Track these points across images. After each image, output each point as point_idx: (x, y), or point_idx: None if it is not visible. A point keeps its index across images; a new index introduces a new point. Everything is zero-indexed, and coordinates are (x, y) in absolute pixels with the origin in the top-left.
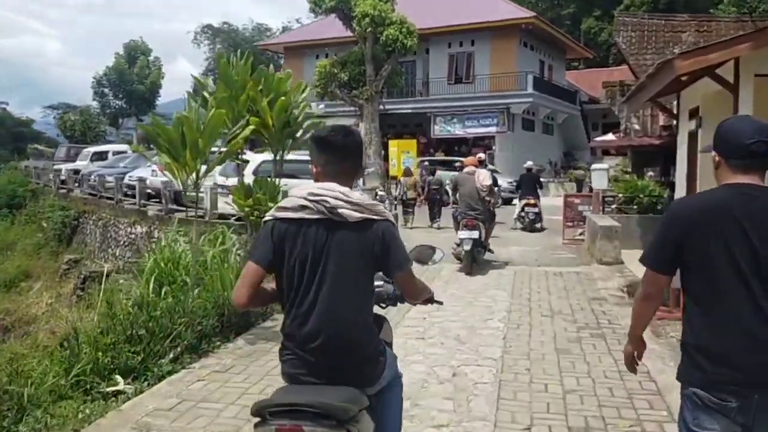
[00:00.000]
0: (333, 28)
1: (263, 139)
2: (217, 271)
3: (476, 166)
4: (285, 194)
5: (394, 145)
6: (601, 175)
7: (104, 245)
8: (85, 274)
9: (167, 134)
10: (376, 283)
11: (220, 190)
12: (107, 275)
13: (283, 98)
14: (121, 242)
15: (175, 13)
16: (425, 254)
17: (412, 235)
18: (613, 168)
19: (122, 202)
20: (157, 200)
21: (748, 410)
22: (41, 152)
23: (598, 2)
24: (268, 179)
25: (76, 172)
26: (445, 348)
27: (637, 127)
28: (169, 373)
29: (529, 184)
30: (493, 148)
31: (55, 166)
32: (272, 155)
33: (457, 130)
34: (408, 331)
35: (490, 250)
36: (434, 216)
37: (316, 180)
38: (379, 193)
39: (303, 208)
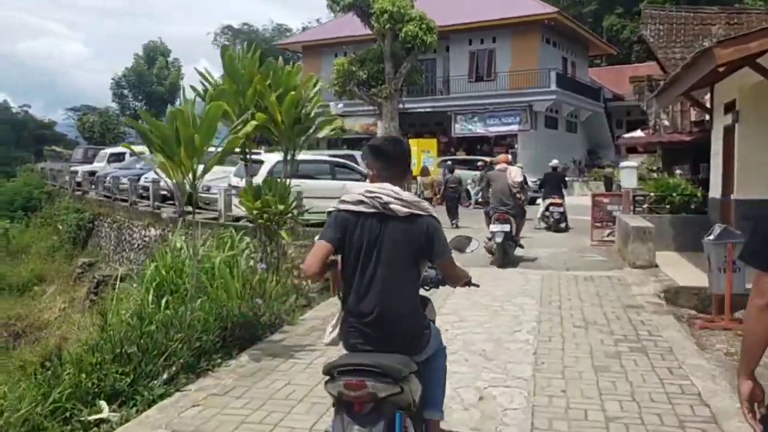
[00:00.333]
0: (351, 26)
1: (273, 137)
2: (223, 278)
3: (508, 164)
4: (298, 196)
5: (414, 145)
6: (630, 173)
7: (119, 248)
8: (98, 279)
9: (160, 130)
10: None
11: (234, 191)
12: (121, 279)
13: (292, 93)
14: (135, 245)
15: (197, 16)
16: (463, 243)
17: None
18: (638, 167)
19: (136, 204)
20: (172, 202)
21: None
22: (58, 154)
23: None
24: (279, 180)
25: (92, 173)
26: (470, 366)
27: (666, 123)
28: (161, 396)
29: (554, 183)
30: (516, 146)
31: (72, 168)
32: (289, 155)
33: (479, 129)
34: None
35: (520, 246)
36: (453, 215)
37: (372, 181)
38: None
39: (360, 202)
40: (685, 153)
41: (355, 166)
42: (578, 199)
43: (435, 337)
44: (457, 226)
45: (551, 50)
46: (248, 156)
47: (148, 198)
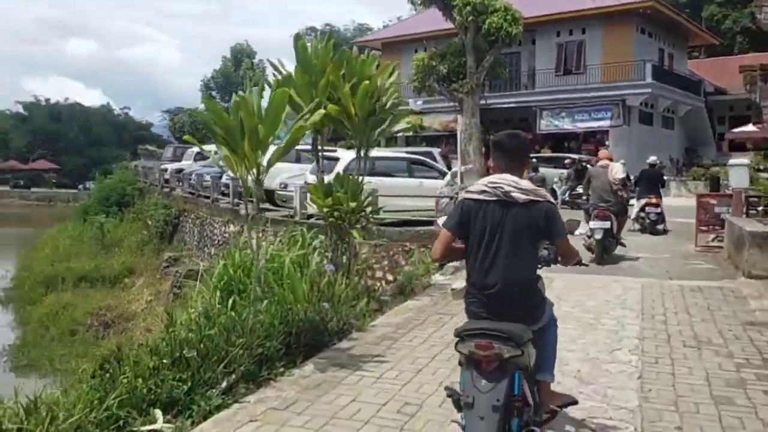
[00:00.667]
0: (432, 21)
1: (345, 131)
2: (290, 279)
3: (610, 160)
4: (372, 193)
5: None
6: (741, 172)
7: (201, 244)
8: (180, 273)
9: (224, 121)
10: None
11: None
12: (202, 274)
13: (366, 82)
14: (216, 241)
15: (285, 20)
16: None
17: None
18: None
19: (218, 201)
20: (251, 199)
21: None
22: (151, 152)
23: None
24: (351, 176)
25: (179, 171)
26: (564, 389)
27: None
28: (218, 408)
29: (650, 182)
30: (607, 143)
31: (162, 166)
32: (362, 150)
33: (566, 125)
34: None
35: (622, 244)
36: None
37: (494, 172)
38: None
39: (483, 192)
40: None
41: (434, 163)
42: (675, 200)
43: (548, 309)
44: None
45: (647, 41)
46: (319, 151)
47: (228, 195)
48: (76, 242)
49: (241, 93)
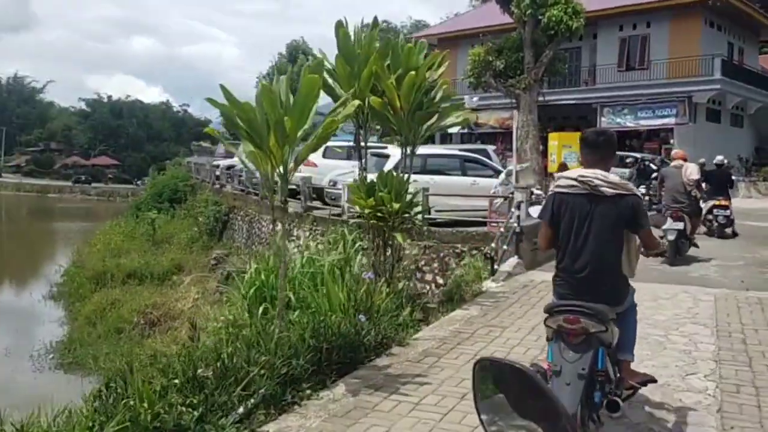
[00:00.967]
0: (489, 16)
1: (390, 126)
2: (325, 287)
3: (684, 160)
4: (419, 193)
5: (554, 139)
6: None
7: (249, 242)
8: (227, 272)
9: (246, 113)
10: None
11: None
12: (233, 277)
13: (413, 73)
14: (264, 240)
15: (341, 17)
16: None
17: None
18: None
19: (266, 199)
20: (300, 197)
21: None
22: (204, 149)
23: None
24: (395, 174)
25: (231, 167)
26: (631, 428)
27: None
28: None
29: (719, 182)
30: (671, 141)
31: (214, 162)
32: (409, 147)
33: (628, 122)
34: None
35: (695, 245)
36: None
37: (584, 167)
38: (535, 192)
39: (572, 186)
40: None
41: (488, 161)
42: (744, 202)
43: (631, 294)
44: None
45: (715, 34)
46: (362, 148)
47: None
48: (128, 238)
49: (265, 82)
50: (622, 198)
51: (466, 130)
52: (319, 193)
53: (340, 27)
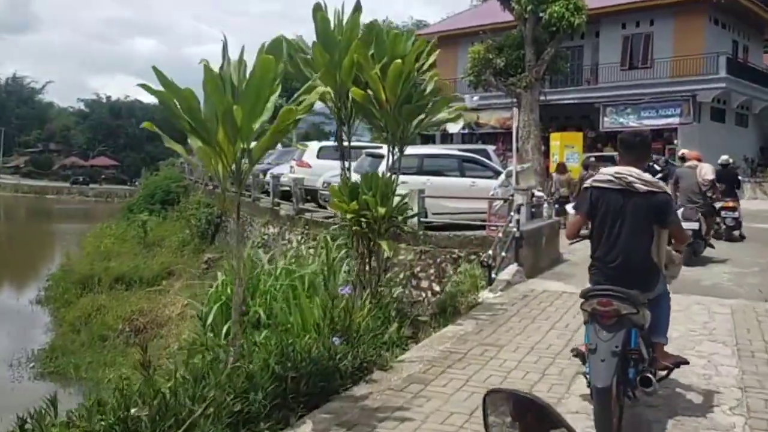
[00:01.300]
0: (489, 14)
1: (375, 121)
2: (302, 301)
3: (699, 161)
4: (408, 197)
5: (556, 139)
6: None
7: (242, 245)
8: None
9: (187, 101)
10: None
11: None
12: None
13: (399, 62)
14: (255, 243)
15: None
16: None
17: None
18: None
19: (258, 200)
20: (292, 199)
21: None
22: None
23: None
24: (381, 175)
25: None
26: None
27: None
28: None
29: (725, 183)
30: (675, 141)
31: None
32: (396, 145)
33: (631, 122)
34: (578, 419)
35: (710, 245)
36: None
37: (620, 165)
38: (536, 193)
39: (609, 181)
40: None
41: (487, 162)
42: (750, 203)
43: (662, 283)
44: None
45: (720, 32)
46: (344, 146)
47: (269, 194)
48: (119, 241)
49: (207, 63)
50: (653, 195)
51: (467, 131)
52: (313, 195)
53: (318, 11)
